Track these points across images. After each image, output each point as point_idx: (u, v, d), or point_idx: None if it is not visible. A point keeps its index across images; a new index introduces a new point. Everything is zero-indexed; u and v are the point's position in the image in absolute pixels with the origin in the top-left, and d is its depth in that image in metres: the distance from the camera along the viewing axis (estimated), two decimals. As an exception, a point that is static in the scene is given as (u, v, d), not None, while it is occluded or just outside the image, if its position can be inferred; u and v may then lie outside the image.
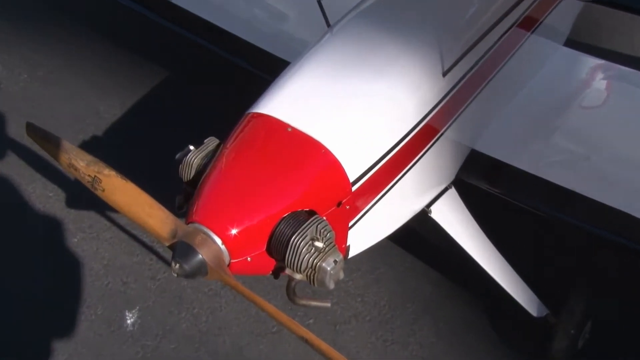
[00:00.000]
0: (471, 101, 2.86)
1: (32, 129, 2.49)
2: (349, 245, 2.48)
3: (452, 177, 2.98)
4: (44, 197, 3.90)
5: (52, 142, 2.40)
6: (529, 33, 3.14)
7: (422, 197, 2.85)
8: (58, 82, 4.48)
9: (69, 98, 4.39)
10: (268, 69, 2.92)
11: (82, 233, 3.77)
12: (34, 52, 4.65)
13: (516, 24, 3.00)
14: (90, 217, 3.80)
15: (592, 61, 3.40)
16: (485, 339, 3.37)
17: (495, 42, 2.89)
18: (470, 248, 2.98)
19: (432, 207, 2.89)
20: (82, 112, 4.29)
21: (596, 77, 3.37)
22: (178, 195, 2.43)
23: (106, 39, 4.70)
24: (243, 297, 2.15)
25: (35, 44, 4.70)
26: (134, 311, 3.50)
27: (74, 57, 4.63)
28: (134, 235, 3.73)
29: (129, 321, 3.47)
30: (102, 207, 3.77)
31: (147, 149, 3.96)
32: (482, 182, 2.99)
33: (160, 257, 3.65)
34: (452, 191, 2.98)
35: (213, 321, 3.46)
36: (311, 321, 3.40)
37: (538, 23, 3.19)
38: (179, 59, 4.53)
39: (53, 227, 3.79)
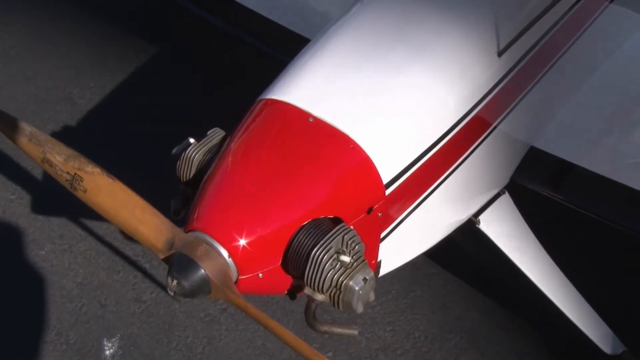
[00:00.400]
0: (532, 87, 2.88)
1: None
2: (380, 261, 2.50)
3: (506, 181, 3.01)
4: (3, 199, 3.96)
5: (22, 132, 2.40)
6: (606, 2, 3.18)
7: (469, 204, 2.89)
8: (21, 59, 4.56)
9: (33, 78, 4.45)
10: (284, 48, 2.95)
11: (51, 244, 3.81)
12: (-9, 21, 4.71)
13: (590, -7, 3.05)
14: (61, 224, 3.85)
15: None
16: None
17: (564, 15, 2.92)
18: (527, 267, 3.00)
19: (481, 217, 2.92)
20: (51, 96, 4.35)
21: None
22: (174, 199, 2.46)
23: (77, 7, 4.77)
24: (254, 320, 2.16)
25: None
26: (114, 340, 3.54)
27: (38, 28, 4.70)
28: (115, 247, 3.77)
29: (107, 352, 3.51)
30: (75, 213, 3.82)
31: (132, 142, 4.02)
32: (544, 187, 3.02)
33: (147, 275, 3.70)
34: (506, 197, 3.01)
35: (210, 353, 3.49)
36: (330, 354, 3.43)
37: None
38: (167, 30, 4.60)
39: (15, 237, 3.84)
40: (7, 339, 3.54)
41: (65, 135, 4.11)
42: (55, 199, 3.76)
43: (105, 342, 3.54)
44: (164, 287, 3.59)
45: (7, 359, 3.48)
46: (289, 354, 3.42)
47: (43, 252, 3.80)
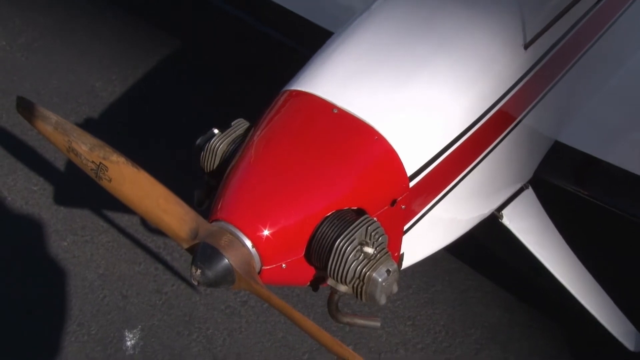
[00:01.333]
0: (558, 81, 2.86)
1: (24, 104, 2.47)
2: (402, 254, 2.49)
3: (530, 175, 3.00)
4: (27, 191, 3.97)
5: (48, 121, 2.40)
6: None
7: (492, 198, 2.87)
8: (43, 52, 4.55)
9: (56, 71, 4.45)
10: (307, 41, 2.94)
11: (73, 236, 3.82)
12: (16, 15, 4.73)
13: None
14: (83, 216, 3.85)
15: None
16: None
17: (591, 8, 2.90)
18: (550, 263, 2.98)
19: (504, 212, 2.90)
20: (74, 88, 4.35)
21: None
22: (198, 189, 2.47)
23: (105, 3, 4.77)
24: (277, 310, 2.15)
25: (16, 6, 4.78)
26: (135, 331, 3.54)
27: (62, 21, 4.70)
28: (137, 239, 3.77)
29: (128, 343, 3.51)
30: (98, 205, 3.82)
31: (155, 134, 4.01)
32: (568, 183, 3.01)
33: (168, 267, 3.70)
34: (529, 192, 2.99)
35: (230, 345, 3.49)
36: (351, 347, 3.34)
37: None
38: (189, 23, 4.59)
39: (38, 228, 3.84)
40: (30, 329, 3.55)
41: (88, 127, 4.10)
42: (78, 190, 3.81)
43: (126, 333, 3.54)
44: (185, 279, 3.62)
45: (30, 350, 3.48)
46: (309, 346, 3.42)
47: (65, 244, 3.80)
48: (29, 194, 3.96)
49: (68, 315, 3.59)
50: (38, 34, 4.67)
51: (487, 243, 3.06)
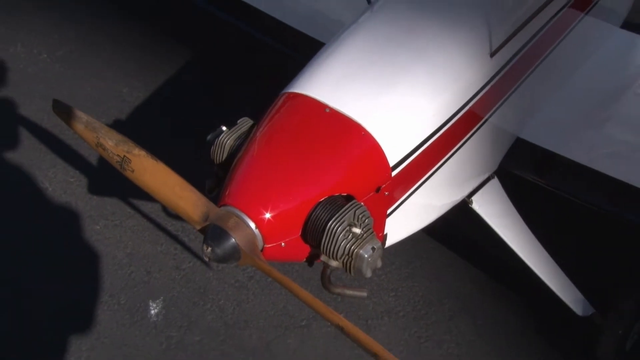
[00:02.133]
0: (519, 85, 2.84)
1: (59, 106, 2.47)
2: (386, 234, 2.48)
3: (496, 167, 2.97)
4: (65, 182, 3.94)
5: (79, 120, 2.39)
6: (583, 13, 3.12)
7: (463, 186, 2.85)
8: (79, 63, 4.51)
9: (89, 79, 4.42)
10: (302, 50, 2.92)
11: (104, 220, 3.79)
12: (54, 30, 4.68)
13: (570, 3, 2.98)
14: (113, 203, 3.83)
15: None
16: (527, 339, 3.37)
17: (548, 22, 2.87)
18: (512, 242, 2.96)
19: (473, 198, 2.89)
20: (104, 94, 4.33)
21: (656, 62, 3.33)
22: (208, 179, 2.44)
23: (127, 17, 4.73)
24: (277, 283, 2.15)
25: (55, 22, 4.73)
26: (157, 301, 3.53)
27: (94, 36, 4.65)
28: (158, 223, 3.75)
29: (152, 312, 3.50)
30: (125, 194, 3.81)
31: (174, 132, 3.99)
32: (528, 173, 2.98)
33: (186, 247, 3.68)
34: (495, 181, 2.97)
35: (239, 314, 3.48)
36: (343, 314, 3.32)
37: (593, 3, 3.17)
38: (205, 37, 4.54)
39: (74, 214, 3.81)
40: (69, 301, 3.53)
41: (116, 126, 4.00)
42: (108, 181, 3.79)
43: (150, 303, 3.52)
44: (200, 258, 3.60)
45: (68, 318, 3.46)
46: (307, 315, 3.40)
47: (98, 227, 3.78)
48: (67, 185, 3.93)
49: (101, 288, 3.57)
50: (73, 47, 4.63)
51: (460, 225, 3.01)
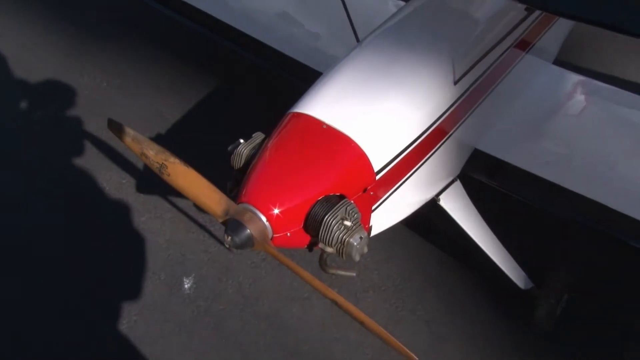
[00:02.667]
0: (476, 107, 2.78)
1: (112, 124, 2.44)
2: (371, 225, 2.43)
3: (458, 171, 2.90)
4: (118, 183, 3.86)
5: (128, 135, 2.37)
6: (524, 52, 3.06)
7: (433, 187, 2.78)
8: (130, 89, 4.43)
9: (137, 102, 4.34)
10: (305, 78, 2.87)
11: (148, 213, 3.72)
12: (112, 65, 4.60)
13: (514, 45, 2.93)
14: (155, 200, 3.75)
15: (575, 77, 3.32)
16: (481, 307, 3.29)
17: (497, 59, 2.82)
18: (470, 231, 2.91)
19: (441, 196, 2.82)
20: (148, 113, 4.25)
21: (578, 91, 3.28)
22: (229, 181, 2.38)
23: (168, 54, 4.65)
24: (283, 265, 2.11)
25: (113, 58, 4.66)
26: (190, 278, 3.45)
27: (142, 68, 4.57)
28: (190, 216, 3.67)
29: (186, 286, 3.42)
30: (164, 192, 3.73)
31: (203, 143, 3.89)
32: (483, 176, 2.92)
33: (212, 235, 3.60)
34: (458, 183, 2.90)
35: (255, 288, 3.40)
36: (336, 290, 3.24)
37: (532, 45, 3.11)
38: (229, 69, 4.47)
39: (125, 208, 3.75)
40: (122, 277, 3.48)
41: (157, 139, 3.97)
42: (151, 183, 3.75)
43: (184, 279, 3.45)
44: (223, 244, 3.51)
45: (121, 290, 3.42)
46: (308, 290, 3.33)
47: (143, 219, 3.71)
48: (120, 185, 3.86)
49: (145, 267, 3.50)
50: (126, 78, 4.55)
51: (430, 218, 2.94)
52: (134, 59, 4.63)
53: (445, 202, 2.83)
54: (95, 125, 4.14)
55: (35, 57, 4.65)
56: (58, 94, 4.39)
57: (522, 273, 3.06)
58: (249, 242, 2.08)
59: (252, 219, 2.08)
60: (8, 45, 4.74)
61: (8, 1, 5.11)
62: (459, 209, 2.88)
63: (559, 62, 3.47)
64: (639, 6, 1.96)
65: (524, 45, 3.02)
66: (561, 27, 3.38)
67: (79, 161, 3.97)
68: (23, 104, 4.36)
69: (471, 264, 3.37)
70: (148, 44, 4.72)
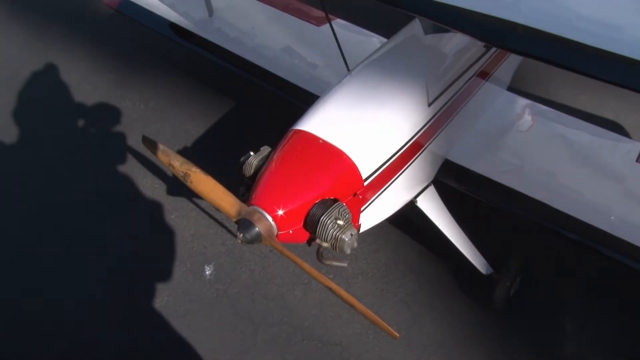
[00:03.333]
0: (446, 125, 2.72)
1: (146, 140, 2.42)
2: (360, 224, 2.37)
3: (432, 178, 2.84)
4: (152, 187, 3.78)
5: (158, 148, 2.33)
6: (484, 80, 3.01)
7: (411, 191, 2.72)
8: (163, 110, 4.36)
9: (168, 120, 4.26)
10: (305, 101, 2.82)
11: (177, 212, 3.64)
12: (149, 91, 4.52)
13: (476, 74, 2.88)
14: (182, 201, 3.68)
15: (524, 101, 3.26)
16: (452, 289, 3.22)
17: (463, 86, 2.77)
18: (443, 227, 2.86)
19: (418, 199, 2.77)
20: (177, 130, 4.17)
21: (526, 112, 3.22)
22: (241, 187, 2.33)
23: (195, 82, 4.56)
24: (287, 257, 2.06)
25: (148, 85, 4.57)
26: (210, 266, 3.37)
27: (172, 93, 4.49)
28: (211, 214, 3.60)
29: (207, 272, 3.34)
30: (189, 195, 3.65)
31: (220, 155, 3.83)
32: (452, 182, 2.85)
33: (228, 230, 3.52)
34: (432, 188, 2.84)
35: (264, 275, 3.32)
36: (331, 276, 3.25)
37: (490, 74, 3.05)
38: (245, 95, 4.38)
39: (158, 208, 3.67)
40: (156, 265, 3.40)
41: (184, 151, 3.99)
42: (178, 187, 3.64)
43: (205, 267, 3.37)
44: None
45: (155, 276, 3.35)
46: (307, 277, 3.24)
47: (172, 217, 3.63)
48: (153, 189, 3.78)
49: (174, 257, 3.43)
50: (160, 101, 4.45)
51: (410, 216, 2.89)
52: (165, 85, 4.55)
53: (422, 204, 2.77)
54: (135, 140, 4.08)
55: (90, 84, 4.59)
56: (106, 115, 4.33)
57: (484, 261, 3.00)
58: (258, 238, 2.03)
59: (260, 219, 2.03)
60: (68, 75, 4.69)
61: (66, 37, 5.04)
62: (433, 209, 2.82)
63: (511, 88, 3.41)
64: (570, 44, 1.93)
65: (483, 74, 2.97)
66: (512, 61, 3.33)
67: (121, 169, 3.90)
68: (79, 123, 4.30)
69: (444, 255, 3.28)
70: (177, 73, 4.64)
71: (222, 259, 3.40)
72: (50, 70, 4.74)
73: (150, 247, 3.47)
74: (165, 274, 3.34)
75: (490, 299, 3.03)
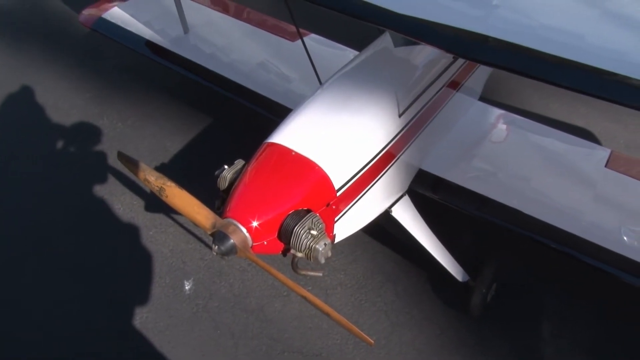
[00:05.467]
0: (418, 135, 2.76)
1: (121, 156, 2.43)
2: (335, 234, 2.38)
3: (406, 188, 2.87)
4: (130, 204, 3.77)
5: (133, 164, 2.34)
6: (455, 91, 3.06)
7: (386, 201, 2.74)
8: (140, 128, 4.35)
9: (146, 138, 4.26)
10: (278, 114, 2.86)
11: (155, 228, 3.63)
12: (127, 109, 4.51)
13: (446, 85, 2.92)
14: (160, 217, 3.67)
15: (496, 111, 3.33)
16: (429, 297, 3.24)
17: (433, 96, 2.81)
18: (418, 236, 2.88)
19: (393, 208, 2.79)
20: (155, 147, 4.17)
21: (499, 121, 3.29)
22: (216, 200, 2.34)
23: (172, 99, 4.57)
24: (262, 269, 2.07)
25: (126, 103, 4.57)
26: (190, 281, 3.36)
27: (150, 110, 4.49)
28: (189, 229, 3.59)
29: (186, 287, 3.33)
30: (167, 211, 3.65)
31: (197, 169, 3.85)
32: (426, 191, 2.89)
33: (207, 245, 3.52)
34: (406, 197, 2.87)
35: (243, 288, 3.32)
36: (310, 288, 3.27)
37: (461, 84, 3.11)
38: (221, 111, 4.40)
39: (136, 225, 3.65)
40: (133, 282, 3.38)
41: (160, 168, 3.98)
42: (155, 203, 3.65)
43: (185, 282, 3.36)
44: (215, 252, 3.45)
45: (134, 292, 3.33)
46: (286, 289, 3.25)
47: (151, 233, 3.61)
48: (132, 206, 3.77)
49: (153, 273, 3.41)
50: (137, 119, 4.45)
51: (385, 226, 2.93)
52: (143, 102, 4.55)
53: (397, 213, 2.80)
54: (113, 158, 4.06)
55: (67, 103, 4.57)
56: (84, 134, 4.31)
57: (460, 269, 3.03)
58: (233, 250, 2.04)
59: (234, 231, 2.04)
60: (45, 94, 4.67)
61: (43, 57, 5.02)
62: (408, 218, 2.85)
63: (484, 98, 3.48)
64: (535, 54, 1.98)
65: (454, 85, 3.02)
66: (482, 72, 3.39)
67: (99, 186, 3.88)
68: (57, 142, 4.27)
69: (420, 264, 3.32)
70: (154, 90, 4.65)
71: (201, 274, 3.39)
72: (27, 90, 4.72)
73: (129, 264, 3.45)
74: (144, 290, 3.32)
75: (468, 305, 3.06)
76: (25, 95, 4.67)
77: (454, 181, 2.85)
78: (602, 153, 3.07)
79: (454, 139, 3.11)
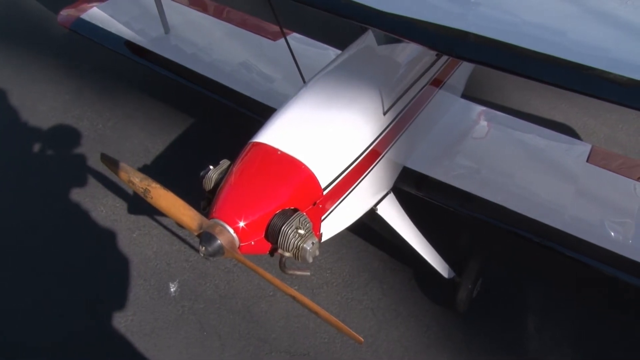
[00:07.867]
0: (403, 132, 2.77)
1: (105, 158, 2.39)
2: (322, 233, 2.39)
3: (392, 185, 2.88)
4: (113, 206, 3.73)
5: (117, 166, 2.31)
6: (438, 88, 3.08)
7: (371, 199, 2.75)
8: (121, 129, 4.31)
9: (128, 139, 4.22)
10: (262, 114, 2.84)
11: (139, 230, 3.59)
12: (107, 110, 4.46)
13: (429, 82, 2.94)
14: (144, 219, 3.64)
15: (478, 108, 3.36)
16: (415, 295, 3.26)
17: (417, 94, 2.83)
18: (404, 234, 2.89)
19: (378, 206, 2.80)
20: (136, 148, 4.14)
21: (481, 118, 3.32)
22: (202, 201, 2.32)
23: (153, 100, 4.53)
24: (250, 269, 2.05)
25: (106, 104, 4.52)
26: (175, 282, 3.34)
27: (131, 111, 4.45)
28: (173, 231, 3.57)
29: (172, 289, 3.31)
30: (151, 212, 3.62)
31: (180, 171, 3.80)
32: (411, 188, 2.90)
33: (192, 247, 3.50)
34: (392, 195, 2.88)
35: (229, 289, 3.31)
36: (296, 287, 3.25)
37: (443, 82, 3.13)
38: (203, 111, 4.38)
39: (119, 227, 3.62)
40: (117, 285, 3.35)
41: (143, 169, 3.93)
42: (139, 205, 3.62)
43: (170, 284, 3.34)
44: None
45: (117, 295, 3.29)
46: (272, 290, 3.26)
47: (134, 235, 3.58)
48: (114, 208, 3.73)
49: (138, 275, 3.38)
50: (118, 121, 4.40)
51: (370, 224, 2.93)
52: (123, 104, 4.51)
53: (382, 211, 2.81)
54: (94, 160, 4.01)
55: (46, 106, 4.50)
56: (63, 136, 4.25)
57: (446, 265, 3.05)
58: (220, 250, 2.02)
59: (221, 232, 2.03)
60: (23, 97, 4.60)
61: (20, 58, 4.95)
62: (393, 216, 2.86)
63: (466, 96, 3.51)
64: (516, 50, 1.99)
65: (437, 82, 3.04)
66: (464, 69, 3.41)
67: (81, 189, 3.84)
68: (36, 145, 4.21)
69: (406, 261, 3.34)
70: (135, 91, 4.61)
71: (187, 275, 3.36)
72: (3, 92, 4.64)
73: (113, 267, 3.42)
74: (129, 293, 3.28)
75: (454, 301, 3.09)
76: (1, 97, 4.59)
77: (438, 178, 2.87)
78: (583, 148, 3.12)
79: (437, 136, 3.13)
